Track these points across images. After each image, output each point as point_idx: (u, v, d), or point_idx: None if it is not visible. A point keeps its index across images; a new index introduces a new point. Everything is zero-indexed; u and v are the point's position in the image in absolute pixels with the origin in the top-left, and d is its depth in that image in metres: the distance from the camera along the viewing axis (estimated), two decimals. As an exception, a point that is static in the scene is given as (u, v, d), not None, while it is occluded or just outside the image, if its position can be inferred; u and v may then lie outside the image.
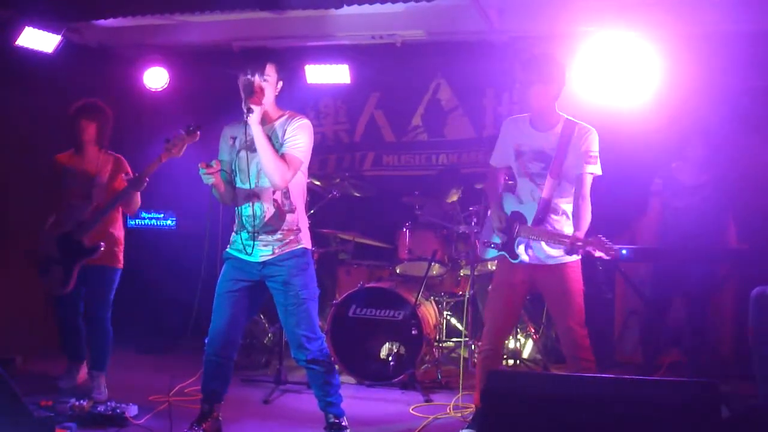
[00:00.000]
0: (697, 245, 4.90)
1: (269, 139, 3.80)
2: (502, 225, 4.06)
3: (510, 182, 4.27)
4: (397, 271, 5.76)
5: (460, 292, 5.78)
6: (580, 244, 3.71)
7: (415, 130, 6.88)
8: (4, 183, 5.82)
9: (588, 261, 4.02)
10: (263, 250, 3.89)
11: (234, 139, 3.96)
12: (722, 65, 5.41)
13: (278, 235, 3.89)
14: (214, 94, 6.22)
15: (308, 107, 6.96)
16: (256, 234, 3.89)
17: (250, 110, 3.70)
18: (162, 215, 6.60)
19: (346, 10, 5.03)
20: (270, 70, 3.83)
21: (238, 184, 3.95)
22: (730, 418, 3.38)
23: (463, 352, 5.26)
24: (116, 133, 5.06)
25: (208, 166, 3.76)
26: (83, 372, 5.06)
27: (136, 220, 6.55)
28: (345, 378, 5.17)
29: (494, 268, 5.14)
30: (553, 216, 3.95)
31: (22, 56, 5.57)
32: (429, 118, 6.82)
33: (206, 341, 4.03)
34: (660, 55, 5.41)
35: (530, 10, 5.69)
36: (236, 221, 4.01)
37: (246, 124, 3.76)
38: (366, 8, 5.07)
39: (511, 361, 5.69)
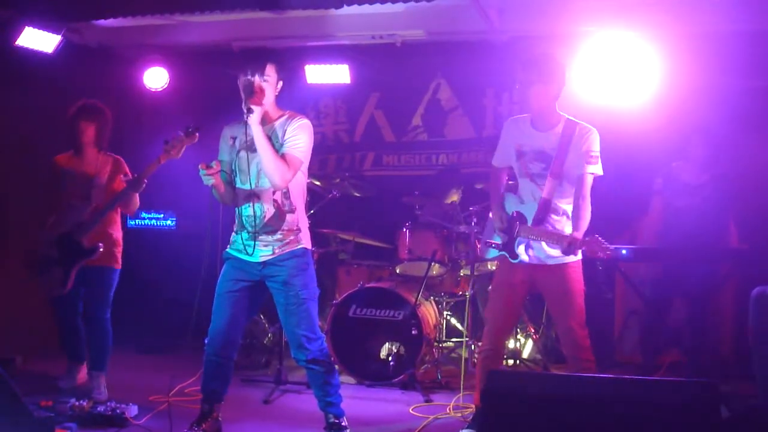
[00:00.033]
0: (698, 245, 4.90)
1: (269, 139, 3.80)
2: (504, 225, 4.06)
3: (511, 182, 4.27)
4: (397, 271, 5.75)
5: (460, 292, 5.77)
6: (576, 244, 3.71)
7: (415, 130, 6.87)
8: (4, 183, 5.81)
9: (588, 261, 4.03)
10: (263, 251, 3.89)
11: (234, 139, 3.96)
12: (722, 65, 5.41)
13: (278, 236, 3.89)
14: (214, 95, 6.21)
15: (308, 107, 6.96)
16: (256, 234, 3.88)
17: (250, 110, 3.70)
18: (162, 215, 6.60)
19: (346, 10, 5.03)
20: (270, 71, 3.83)
21: (238, 185, 3.95)
22: (730, 418, 3.38)
23: (463, 352, 5.26)
24: (116, 133, 5.06)
25: (208, 167, 3.76)
26: (83, 372, 5.06)
27: (136, 221, 6.55)
28: (345, 378, 5.17)
29: (494, 268, 5.15)
30: (553, 216, 3.94)
31: (22, 56, 5.57)
32: (429, 118, 6.81)
33: (206, 341, 4.03)
34: (660, 55, 5.41)
35: (530, 10, 5.69)
36: (236, 221, 4.02)
37: (246, 124, 3.76)
38: (366, 8, 5.07)
39: (511, 361, 5.69)
